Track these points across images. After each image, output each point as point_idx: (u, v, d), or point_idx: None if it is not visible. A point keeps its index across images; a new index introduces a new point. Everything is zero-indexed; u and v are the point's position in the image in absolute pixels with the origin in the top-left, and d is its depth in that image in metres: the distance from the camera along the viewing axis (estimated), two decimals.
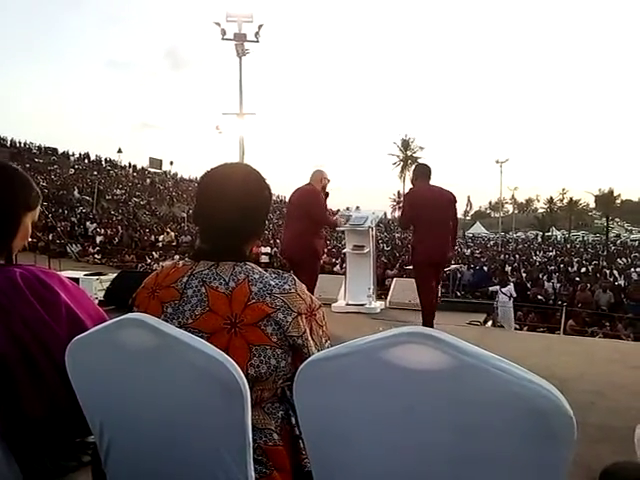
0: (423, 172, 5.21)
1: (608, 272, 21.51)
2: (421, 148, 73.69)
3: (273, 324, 1.13)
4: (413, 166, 5.51)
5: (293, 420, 1.16)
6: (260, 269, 1.20)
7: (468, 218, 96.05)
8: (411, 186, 5.31)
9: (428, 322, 4.94)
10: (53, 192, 29.76)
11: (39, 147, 45.72)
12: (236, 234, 1.24)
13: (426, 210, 4.92)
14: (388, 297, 7.68)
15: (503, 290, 10.72)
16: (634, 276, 21.42)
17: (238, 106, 10.89)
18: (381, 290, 8.88)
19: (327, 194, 5.41)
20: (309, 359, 0.89)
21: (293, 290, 1.17)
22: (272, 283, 1.16)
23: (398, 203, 74.90)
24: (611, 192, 71.08)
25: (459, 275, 16.12)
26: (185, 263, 1.25)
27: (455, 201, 5.16)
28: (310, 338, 1.17)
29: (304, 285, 1.22)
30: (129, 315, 1.00)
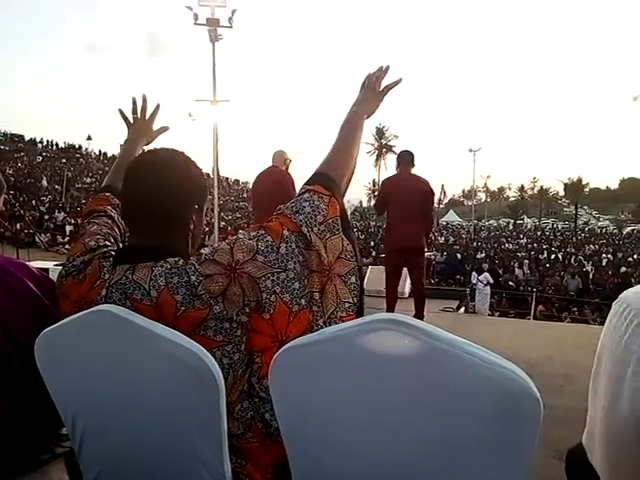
0: (406, 159, 5.19)
1: (574, 258, 22.09)
2: (395, 137, 74.06)
3: (213, 323, 1.02)
4: (398, 152, 5.49)
5: (267, 416, 1.08)
6: (180, 263, 1.04)
7: (442, 206, 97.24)
8: (394, 172, 5.29)
9: (391, 308, 5.05)
10: (20, 180, 28.97)
11: (4, 134, 44.36)
12: (156, 217, 1.09)
13: (399, 197, 4.96)
14: (363, 285, 7.74)
15: (480, 277, 11.00)
16: (604, 262, 21.99)
17: (212, 93, 10.71)
18: None
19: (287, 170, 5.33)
20: (285, 347, 0.88)
21: (208, 271, 1.03)
22: (193, 279, 1.02)
23: (373, 192, 75.24)
24: (580, 180, 72.86)
25: (433, 262, 16.36)
26: (101, 266, 1.11)
27: (431, 193, 5.14)
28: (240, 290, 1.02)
29: (217, 248, 1.07)
30: (101, 306, 0.99)
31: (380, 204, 5.22)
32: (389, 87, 1.48)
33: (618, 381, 0.84)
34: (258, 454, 1.09)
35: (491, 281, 11.21)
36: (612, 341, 0.88)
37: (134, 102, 1.65)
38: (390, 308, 5.07)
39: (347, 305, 1.14)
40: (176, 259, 1.06)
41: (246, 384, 1.09)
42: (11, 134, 44.97)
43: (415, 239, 5.02)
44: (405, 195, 4.95)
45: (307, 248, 1.11)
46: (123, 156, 1.57)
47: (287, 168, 5.33)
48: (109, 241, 1.27)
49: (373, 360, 0.79)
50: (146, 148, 1.62)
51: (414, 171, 5.18)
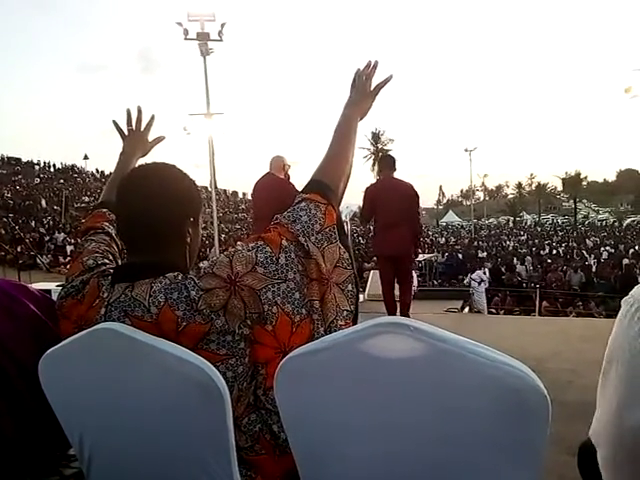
0: (387, 164, 5.18)
1: (576, 252, 22.02)
2: (391, 140, 74.02)
3: (215, 337, 1.01)
4: (379, 158, 5.52)
5: (275, 427, 1.07)
6: (180, 278, 1.03)
7: (441, 207, 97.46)
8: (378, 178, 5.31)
9: (391, 314, 5.01)
10: (19, 203, 29.04)
11: (1, 157, 44.44)
12: (151, 232, 1.07)
13: (384, 203, 4.90)
14: (366, 290, 7.73)
15: (472, 276, 10.97)
16: (604, 255, 21.94)
17: (205, 106, 10.78)
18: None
19: (289, 177, 5.18)
20: (288, 356, 0.88)
21: (208, 285, 1.01)
22: (193, 294, 1.01)
23: None
24: (578, 174, 72.81)
25: (435, 264, 16.35)
26: (100, 285, 1.10)
27: (416, 196, 5.08)
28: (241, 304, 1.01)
29: (216, 261, 1.06)
30: (103, 325, 0.98)
31: (366, 212, 5.12)
32: (380, 86, 1.43)
33: (634, 383, 0.83)
34: (268, 466, 1.09)
35: (484, 279, 11.15)
36: (625, 342, 0.86)
37: (128, 113, 1.63)
38: (392, 314, 5.03)
39: (345, 313, 1.13)
40: (175, 274, 1.04)
41: (252, 396, 1.08)
42: (8, 157, 45.05)
43: (403, 247, 4.94)
44: (391, 201, 4.88)
45: (306, 257, 1.10)
46: (118, 170, 1.55)
47: (286, 174, 5.14)
48: (107, 259, 1.26)
49: (376, 364, 0.78)
50: (142, 160, 1.60)
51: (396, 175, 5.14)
